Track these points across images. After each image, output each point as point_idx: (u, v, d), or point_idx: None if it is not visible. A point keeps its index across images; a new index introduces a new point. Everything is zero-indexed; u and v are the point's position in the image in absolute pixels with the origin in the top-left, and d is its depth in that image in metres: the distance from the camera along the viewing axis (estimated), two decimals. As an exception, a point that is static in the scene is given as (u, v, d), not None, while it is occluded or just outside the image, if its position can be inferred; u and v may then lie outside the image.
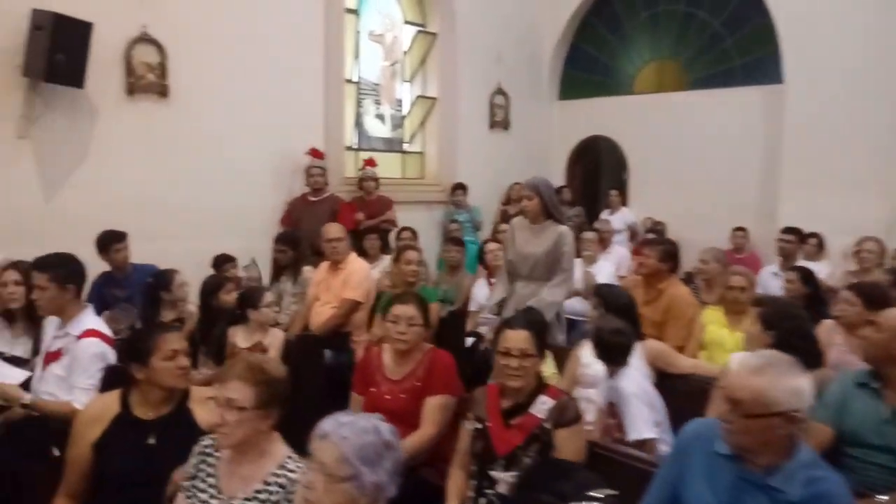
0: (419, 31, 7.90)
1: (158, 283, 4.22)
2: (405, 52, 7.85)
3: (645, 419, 2.69)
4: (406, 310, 2.83)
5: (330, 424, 1.68)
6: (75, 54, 4.95)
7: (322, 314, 4.69)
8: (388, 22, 7.67)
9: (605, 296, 3.27)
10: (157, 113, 5.70)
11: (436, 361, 2.77)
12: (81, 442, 2.31)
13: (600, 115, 8.95)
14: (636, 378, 2.80)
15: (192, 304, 4.33)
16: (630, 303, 3.33)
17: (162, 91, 5.69)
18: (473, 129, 8.30)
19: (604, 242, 6.32)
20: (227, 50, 6.00)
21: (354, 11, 7.25)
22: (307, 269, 5.10)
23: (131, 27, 5.50)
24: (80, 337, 2.97)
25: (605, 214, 8.28)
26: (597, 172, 10.15)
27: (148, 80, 5.62)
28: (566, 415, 2.34)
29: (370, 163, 6.86)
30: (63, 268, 2.99)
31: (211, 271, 5.03)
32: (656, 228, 7.19)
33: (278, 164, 6.45)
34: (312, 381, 3.74)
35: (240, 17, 6.08)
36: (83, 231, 4.80)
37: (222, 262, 5.06)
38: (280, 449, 2.00)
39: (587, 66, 9.12)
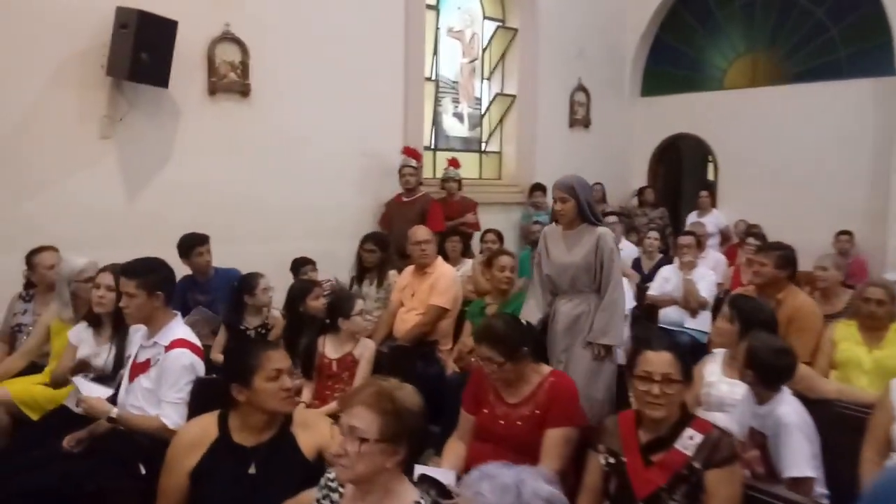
0: (499, 27, 7.62)
1: (242, 287, 4.07)
2: (484, 49, 7.59)
3: (805, 454, 2.34)
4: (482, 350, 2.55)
5: (474, 475, 1.42)
6: (160, 53, 4.86)
7: (407, 321, 4.46)
8: (467, 18, 7.41)
9: (742, 308, 2.89)
10: (239, 113, 5.59)
11: (558, 388, 2.46)
12: (178, 470, 2.11)
13: (686, 112, 8.48)
14: (796, 406, 2.44)
15: (276, 310, 4.17)
16: (772, 317, 2.95)
17: (243, 91, 5.58)
18: (553, 128, 7.97)
19: (700, 246, 5.89)
20: (307, 48, 5.86)
21: (434, 7, 7.03)
22: (392, 274, 4.89)
23: (214, 26, 5.41)
24: (168, 347, 2.81)
25: (692, 217, 7.81)
26: (678, 172, 9.66)
27: (230, 80, 5.52)
28: (720, 453, 2.02)
29: (454, 163, 6.61)
30: (152, 274, 2.83)
31: (291, 274, 4.92)
32: (753, 231, 6.69)
33: (359, 163, 6.29)
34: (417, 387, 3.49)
35: (321, 15, 5.93)
36: (165, 233, 4.72)
37: (300, 265, 4.91)
38: (408, 491, 1.74)
39: (672, 61, 8.66)
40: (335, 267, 5.47)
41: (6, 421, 3.30)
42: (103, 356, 3.22)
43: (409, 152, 6.32)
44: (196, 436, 2.17)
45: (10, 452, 3.03)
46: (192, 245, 4.54)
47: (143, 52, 4.74)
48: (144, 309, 2.82)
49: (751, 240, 5.56)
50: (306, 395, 3.50)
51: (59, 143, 4.81)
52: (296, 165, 5.85)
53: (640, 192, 8.40)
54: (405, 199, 6.13)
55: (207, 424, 2.16)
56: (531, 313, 3.59)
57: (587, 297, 3.46)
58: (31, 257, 3.99)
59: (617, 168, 8.64)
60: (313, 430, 2.11)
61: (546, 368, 2.55)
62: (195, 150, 5.37)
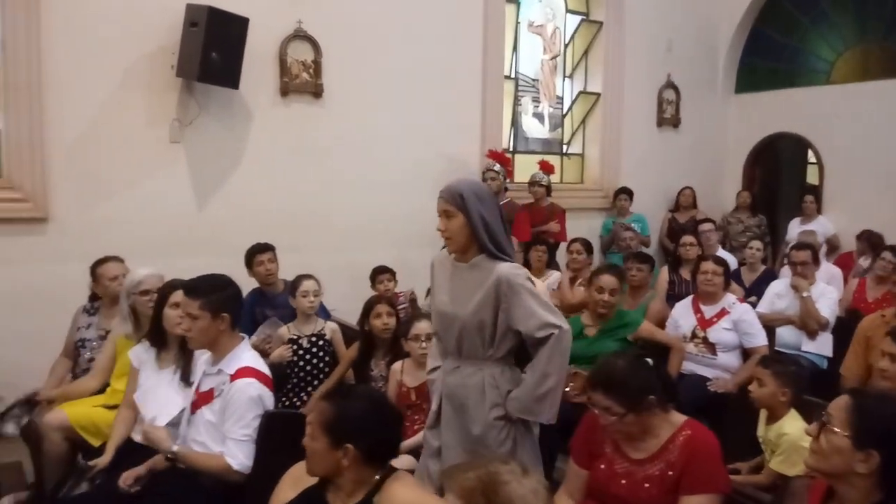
0: (582, 21, 7.13)
1: (291, 290, 3.82)
2: (567, 44, 7.12)
3: None
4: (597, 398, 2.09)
5: None
6: (230, 52, 4.63)
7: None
8: (549, 12, 6.97)
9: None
10: (311, 115, 5.32)
11: (696, 443, 1.99)
12: (279, 498, 1.89)
13: (786, 110, 7.76)
14: None
15: (332, 322, 3.91)
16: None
17: (316, 91, 5.30)
18: (639, 128, 7.42)
19: (816, 261, 5.25)
20: (381, 46, 5.55)
21: (514, 1, 6.62)
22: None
23: (286, 23, 5.15)
24: (234, 377, 2.49)
25: (795, 224, 7.13)
26: (775, 175, 8.92)
27: (302, 80, 5.25)
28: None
29: (545, 166, 6.18)
30: (218, 293, 2.52)
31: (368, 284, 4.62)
32: (874, 241, 5.98)
33: (435, 167, 5.92)
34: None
35: (396, 10, 5.61)
36: (233, 241, 4.51)
37: (377, 273, 4.65)
38: None
39: (771, 54, 7.96)
40: (410, 278, 5.12)
41: (64, 448, 3.07)
42: (165, 379, 2.93)
43: (494, 156, 5.93)
44: (298, 474, 1.90)
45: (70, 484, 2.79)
46: (253, 254, 4.31)
47: (213, 52, 4.52)
48: (209, 332, 2.52)
49: (888, 255, 4.87)
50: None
51: (128, 147, 4.64)
52: (369, 169, 5.55)
53: (748, 196, 7.69)
54: (491, 205, 5.72)
55: None
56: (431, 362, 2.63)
57: (481, 367, 2.37)
58: (95, 268, 3.78)
59: (708, 171, 8.00)
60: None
61: (679, 418, 2.08)
62: (266, 154, 5.13)
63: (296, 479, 1.87)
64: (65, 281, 4.14)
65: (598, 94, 7.18)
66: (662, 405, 2.06)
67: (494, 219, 2.35)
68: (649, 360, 2.17)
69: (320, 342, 3.67)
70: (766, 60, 7.99)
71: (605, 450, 2.13)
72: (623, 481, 2.06)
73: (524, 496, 1.37)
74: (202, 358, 2.77)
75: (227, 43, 4.59)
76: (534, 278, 2.54)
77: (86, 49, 4.45)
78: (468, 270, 2.38)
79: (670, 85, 7.65)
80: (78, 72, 4.44)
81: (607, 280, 3.74)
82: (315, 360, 3.63)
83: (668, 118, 7.68)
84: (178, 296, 2.93)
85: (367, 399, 1.85)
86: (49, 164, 4.38)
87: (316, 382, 3.63)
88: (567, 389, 3.53)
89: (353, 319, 3.96)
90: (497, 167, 5.80)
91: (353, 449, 1.73)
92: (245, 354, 2.58)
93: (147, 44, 4.65)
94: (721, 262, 4.19)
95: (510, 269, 2.32)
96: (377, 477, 1.76)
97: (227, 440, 2.45)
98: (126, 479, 2.51)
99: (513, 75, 6.71)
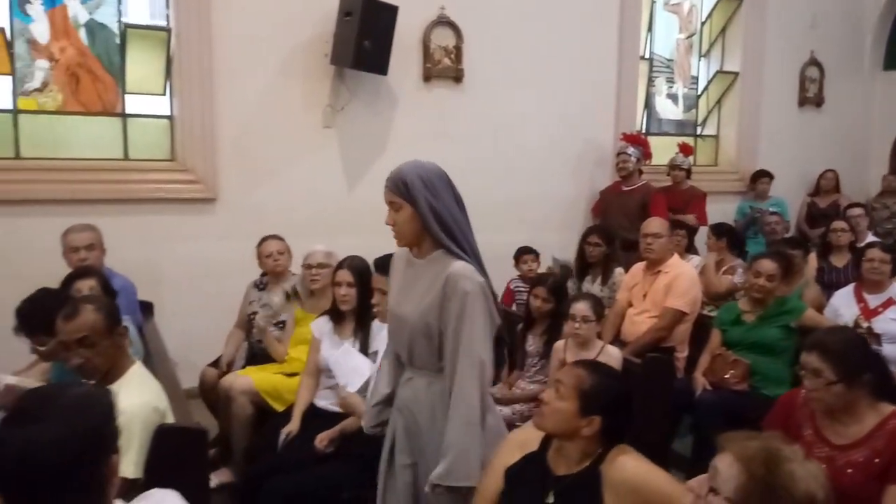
0: (721, -3, 6.89)
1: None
2: (703, 23, 6.90)
3: None
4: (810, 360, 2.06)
5: None
6: (381, 40, 4.80)
7: (639, 324, 4.07)
8: (686, -11, 6.77)
9: None
10: (451, 99, 5.45)
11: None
12: (498, 466, 1.94)
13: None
14: None
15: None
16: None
17: (457, 76, 5.42)
18: (779, 108, 7.09)
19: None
20: (519, 29, 5.59)
21: (651, -21, 6.48)
22: (618, 272, 4.50)
23: (430, 10, 5.28)
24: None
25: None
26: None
27: (444, 65, 5.38)
28: None
29: (685, 149, 6.06)
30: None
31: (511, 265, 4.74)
32: None
33: (569, 150, 5.95)
34: (661, 408, 3.12)
35: (534, -7, 5.63)
36: (381, 222, 4.67)
37: (521, 253, 4.78)
38: None
39: (927, 27, 7.41)
40: (544, 261, 5.19)
41: (251, 410, 3.35)
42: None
43: (629, 139, 5.85)
44: (522, 438, 1.99)
45: (261, 448, 3.04)
46: None
47: (366, 40, 4.69)
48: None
49: None
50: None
51: (284, 132, 4.91)
52: (505, 152, 5.63)
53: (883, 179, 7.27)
54: (624, 189, 5.70)
55: (535, 436, 1.96)
56: (375, 391, 2.36)
57: (433, 381, 2.11)
58: (258, 247, 4.06)
59: (853, 153, 7.56)
60: (634, 488, 1.78)
61: (888, 407, 2.04)
62: (409, 137, 5.30)
63: (521, 443, 1.96)
64: (231, 257, 4.48)
65: (736, 74, 6.92)
66: (873, 391, 2.03)
67: (448, 208, 2.06)
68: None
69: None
70: (920, 34, 7.45)
71: (805, 433, 2.12)
72: (823, 466, 2.05)
73: (805, 477, 1.39)
74: (383, 332, 2.95)
75: (378, 31, 4.76)
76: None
77: (250, 40, 4.73)
78: (424, 268, 2.11)
79: (813, 62, 7.26)
80: (243, 61, 4.74)
81: (766, 265, 3.66)
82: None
83: (811, 97, 7.30)
84: (341, 275, 3.13)
85: (621, 381, 1.94)
86: (218, 147, 4.72)
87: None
88: (727, 377, 3.52)
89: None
90: (630, 150, 5.73)
91: (600, 422, 1.81)
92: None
93: (303, 33, 4.89)
94: (889, 248, 4.00)
95: (461, 270, 2.01)
96: (600, 449, 1.84)
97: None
98: (321, 440, 2.72)
99: (647, 56, 6.58)
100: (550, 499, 1.83)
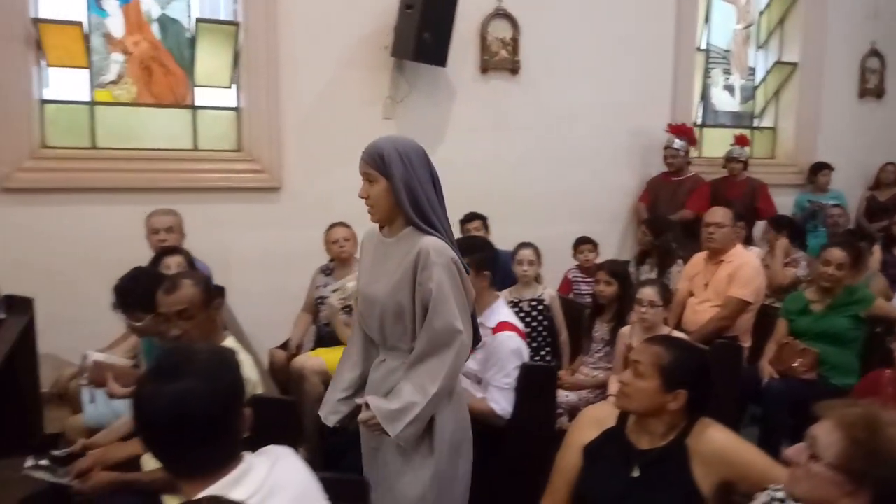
0: (780, -14, 6.79)
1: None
2: (761, 13, 6.81)
3: None
4: None
5: None
6: (441, 32, 4.85)
7: (701, 313, 4.06)
8: (744, -21, 6.69)
9: None
10: (507, 91, 5.49)
11: None
12: (575, 443, 1.98)
13: None
14: None
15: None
16: None
17: (513, 68, 5.46)
18: (839, 99, 6.96)
19: None
20: (574, 20, 5.60)
21: (708, -30, 6.42)
22: (678, 261, 4.50)
23: (488, 2, 5.33)
24: (495, 330, 2.71)
25: None
26: None
27: (501, 57, 5.42)
28: None
29: (741, 140, 6.01)
30: (480, 253, 2.75)
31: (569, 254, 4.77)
32: None
33: (624, 142, 5.94)
34: (729, 395, 3.12)
35: (589, -16, 5.64)
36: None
37: (579, 243, 4.81)
38: None
39: None
40: (603, 251, 5.20)
41: (322, 389, 3.44)
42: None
43: (675, 130, 5.82)
44: (598, 415, 2.03)
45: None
46: (464, 222, 4.54)
47: (426, 32, 4.77)
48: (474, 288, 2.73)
49: None
50: (613, 388, 3.27)
51: (346, 123, 5.01)
52: (561, 144, 5.65)
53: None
54: (673, 178, 5.68)
55: (610, 411, 2.01)
56: (338, 378, 2.26)
57: (406, 359, 2.07)
58: (325, 233, 4.17)
59: (914, 145, 7.39)
60: (725, 460, 1.81)
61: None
62: (466, 129, 5.36)
63: (597, 419, 2.00)
64: (295, 244, 4.61)
65: (795, 64, 6.81)
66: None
67: (421, 184, 2.04)
68: None
69: (539, 307, 3.83)
70: None
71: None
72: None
73: None
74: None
75: (438, 23, 4.82)
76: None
77: (313, 33, 4.85)
78: (394, 246, 2.07)
79: (874, 53, 7.10)
80: (307, 54, 4.85)
81: (836, 254, 3.63)
82: (535, 324, 3.79)
83: (871, 88, 7.14)
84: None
85: (699, 352, 1.98)
86: (282, 138, 4.84)
87: (534, 345, 3.80)
88: (795, 365, 3.50)
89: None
90: (677, 143, 5.68)
91: (686, 395, 1.84)
92: (503, 310, 2.79)
93: (364, 26, 4.99)
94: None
95: (433, 244, 1.98)
96: (684, 422, 1.87)
97: (489, 387, 2.67)
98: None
99: (704, 47, 6.53)
100: (636, 473, 1.86)
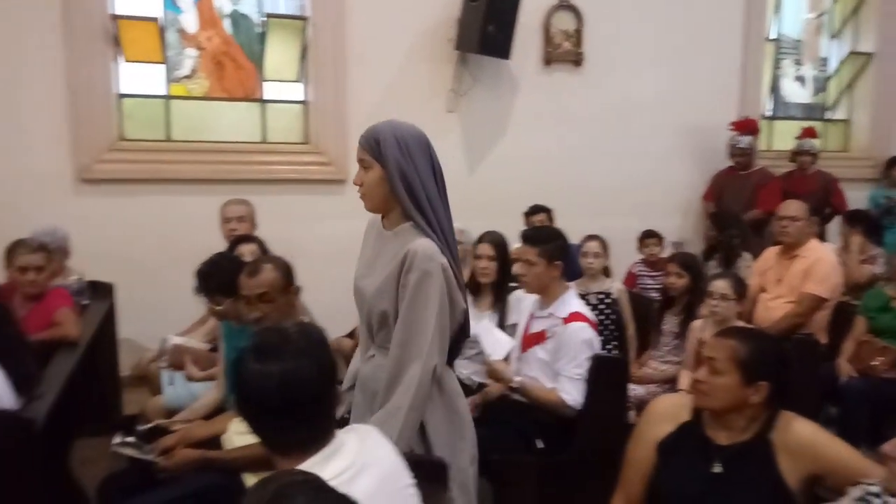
0: (854, -26, 6.54)
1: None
2: (835, 1, 6.57)
3: None
4: None
5: None
6: (505, 25, 4.85)
7: (774, 309, 3.95)
8: (817, -34, 6.47)
9: None
10: (570, 83, 5.45)
11: None
12: (648, 438, 1.93)
13: None
14: None
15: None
16: None
17: (576, 60, 5.41)
18: (918, 91, 6.68)
19: None
20: (639, 12, 5.53)
21: (779, -43, 6.23)
22: (747, 256, 4.39)
23: (553, -6, 5.31)
24: (566, 320, 2.69)
25: None
26: None
27: (564, 49, 5.38)
28: None
29: (809, 132, 5.81)
30: (553, 242, 2.74)
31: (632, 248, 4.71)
32: None
33: (689, 135, 5.82)
34: (809, 393, 3.04)
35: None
36: (500, 206, 4.74)
37: (645, 237, 4.74)
38: None
39: None
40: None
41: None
42: (483, 324, 3.23)
43: (740, 126, 5.63)
44: (669, 408, 1.97)
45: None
46: (529, 214, 4.53)
47: (490, 25, 4.77)
48: (543, 278, 2.73)
49: None
50: (684, 382, 3.22)
51: (410, 116, 4.85)
52: (623, 136, 5.58)
53: None
54: (740, 173, 5.53)
55: (681, 403, 1.95)
56: (351, 372, 2.16)
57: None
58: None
59: None
60: (813, 453, 1.76)
61: None
62: (529, 122, 5.35)
63: (668, 414, 1.93)
64: (360, 236, 4.64)
65: (871, 55, 6.55)
66: None
67: (419, 174, 1.87)
68: None
69: (607, 300, 3.79)
70: None
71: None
72: None
73: None
74: (523, 303, 3.02)
75: (502, 16, 4.82)
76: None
77: (379, 27, 4.90)
78: (390, 240, 1.92)
79: (956, 42, 6.78)
80: (372, 48, 4.91)
81: (921, 249, 3.49)
82: (601, 318, 3.74)
83: (952, 79, 6.81)
84: (482, 248, 3.21)
85: (774, 341, 1.92)
86: (348, 131, 4.91)
87: (601, 339, 3.76)
88: (875, 363, 3.39)
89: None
90: (744, 142, 5.49)
91: (768, 386, 1.79)
92: (573, 301, 2.77)
93: (429, 20, 5.02)
94: None
95: (422, 247, 1.81)
96: (766, 416, 1.82)
97: (560, 377, 2.66)
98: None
99: (774, 37, 6.34)
100: (717, 468, 1.82)
